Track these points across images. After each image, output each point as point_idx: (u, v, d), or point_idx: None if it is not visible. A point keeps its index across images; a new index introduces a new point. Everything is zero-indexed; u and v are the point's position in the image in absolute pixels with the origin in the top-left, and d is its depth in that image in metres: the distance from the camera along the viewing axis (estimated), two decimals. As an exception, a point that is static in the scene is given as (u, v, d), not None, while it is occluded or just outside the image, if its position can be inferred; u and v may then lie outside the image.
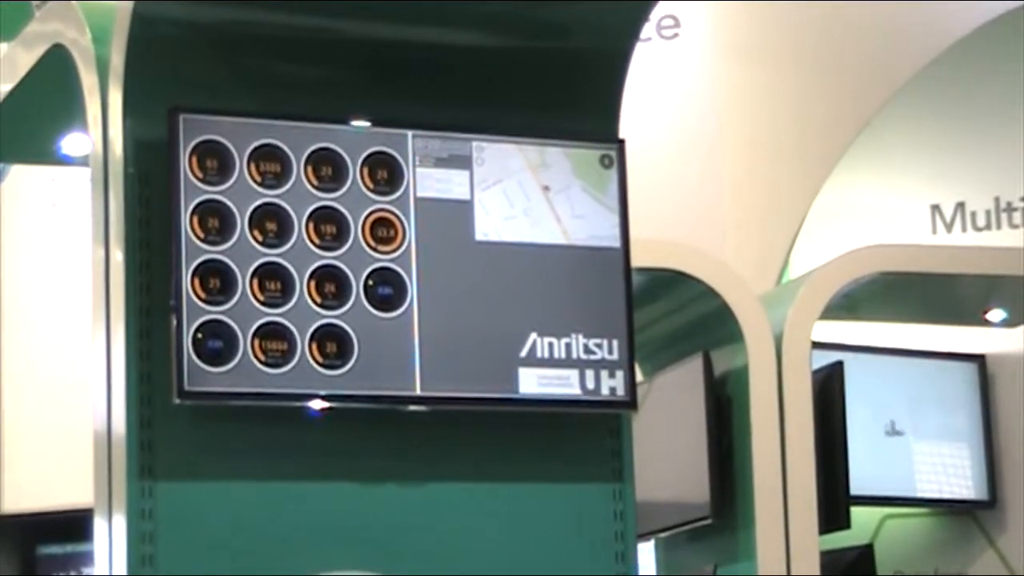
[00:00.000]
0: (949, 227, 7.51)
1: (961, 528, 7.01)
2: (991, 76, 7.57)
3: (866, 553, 6.35)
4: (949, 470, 6.98)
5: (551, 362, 3.49)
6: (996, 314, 6.49)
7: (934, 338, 6.80)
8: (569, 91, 3.51)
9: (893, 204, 7.49)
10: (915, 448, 6.96)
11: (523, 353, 3.47)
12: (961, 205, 7.53)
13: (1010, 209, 7.49)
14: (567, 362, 3.49)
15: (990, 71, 7.54)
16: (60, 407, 3.47)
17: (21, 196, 8.68)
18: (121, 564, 3.24)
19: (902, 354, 6.79)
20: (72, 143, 3.79)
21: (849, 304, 5.76)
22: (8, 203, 8.80)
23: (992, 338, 6.74)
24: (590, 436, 3.62)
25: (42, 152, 3.92)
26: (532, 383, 3.43)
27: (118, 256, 3.30)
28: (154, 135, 3.28)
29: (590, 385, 3.44)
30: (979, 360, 6.96)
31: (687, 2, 7.10)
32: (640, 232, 3.54)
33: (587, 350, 3.47)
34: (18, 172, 8.27)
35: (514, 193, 3.49)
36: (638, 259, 3.64)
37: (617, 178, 3.42)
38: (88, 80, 3.36)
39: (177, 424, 3.30)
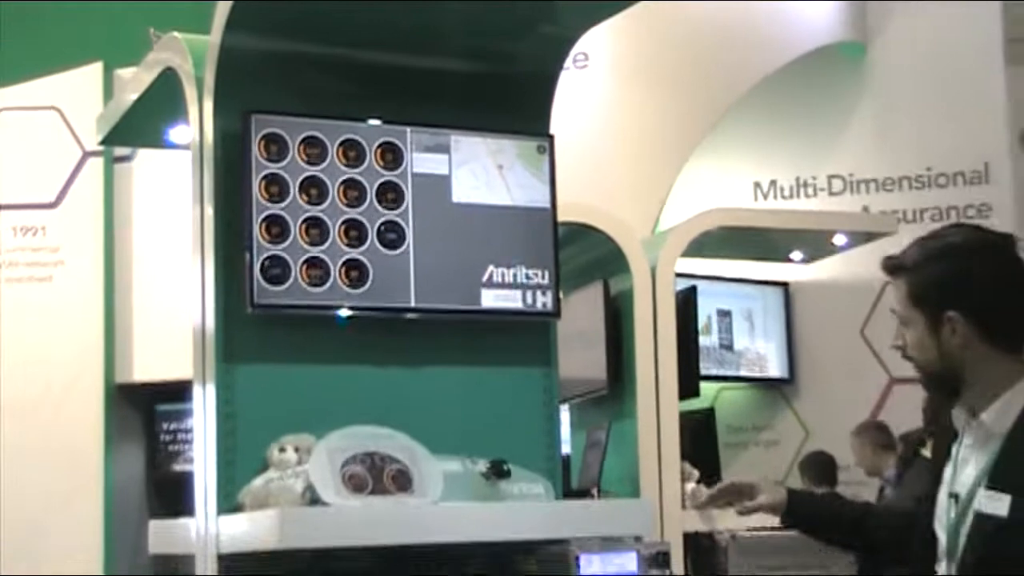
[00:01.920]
0: (765, 196, 7.50)
1: (770, 396, 7.17)
2: (801, 93, 7.54)
3: (709, 413, 6.42)
4: (763, 358, 6.93)
5: (503, 285, 3.69)
6: (796, 255, 6.59)
7: (756, 270, 6.76)
8: (516, 102, 3.81)
9: (729, 181, 7.53)
10: (740, 343, 6.90)
11: (484, 279, 3.67)
12: (774, 182, 7.66)
13: (806, 185, 7.52)
14: (514, 285, 3.70)
15: (801, 89, 7.52)
16: (174, 310, 3.43)
17: (146, 169, 8.32)
18: (212, 418, 3.37)
19: (735, 281, 6.79)
20: (177, 134, 3.77)
21: (700, 247, 5.84)
22: (138, 174, 8.68)
23: (794, 271, 6.74)
24: (528, 336, 3.83)
25: (157, 140, 3.95)
26: (491, 299, 3.66)
27: (209, 211, 3.52)
28: (233, 129, 3.48)
29: (529, 301, 3.69)
30: (785, 286, 6.99)
31: (593, 41, 7.00)
32: (563, 197, 3.48)
33: (527, 277, 3.69)
34: (144, 154, 8.22)
35: (478, 170, 3.71)
36: (561, 216, 3.86)
37: (548, 160, 3.74)
38: (189, 92, 3.62)
39: (249, 326, 3.46)
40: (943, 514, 2.81)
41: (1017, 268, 2.79)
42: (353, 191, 3.50)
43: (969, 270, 2.78)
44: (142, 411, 9.13)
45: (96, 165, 9.01)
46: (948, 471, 2.84)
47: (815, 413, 7.36)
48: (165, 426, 9.03)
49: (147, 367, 8.83)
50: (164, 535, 3.84)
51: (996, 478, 2.66)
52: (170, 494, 8.49)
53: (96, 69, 8.99)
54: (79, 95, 8.95)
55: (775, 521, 3.60)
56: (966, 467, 2.78)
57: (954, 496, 2.76)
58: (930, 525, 2.94)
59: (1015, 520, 2.58)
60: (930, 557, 2.93)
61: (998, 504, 2.62)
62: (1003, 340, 2.78)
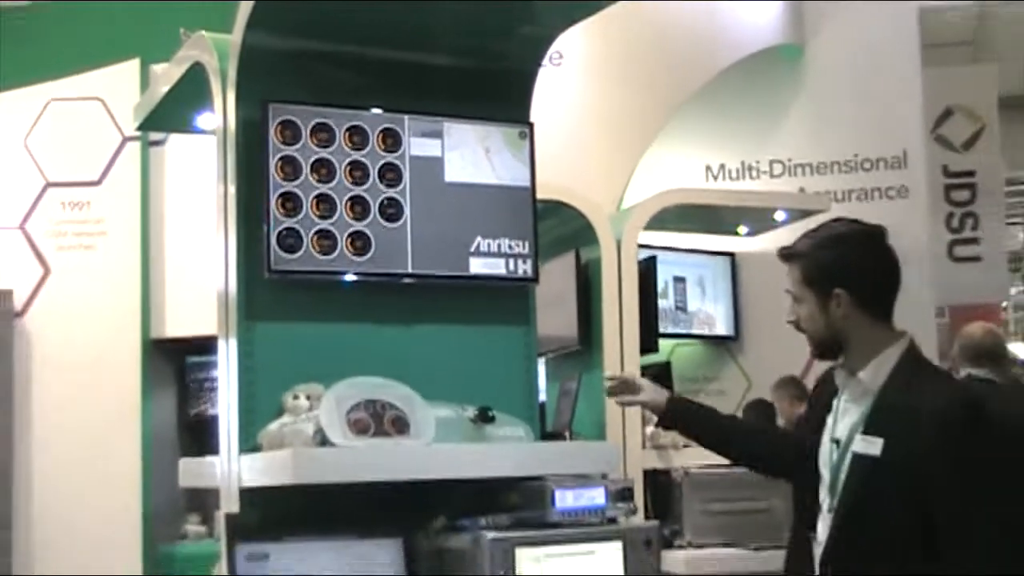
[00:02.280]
0: (716, 178, 7.44)
1: (718, 351, 7.15)
2: (747, 89, 7.50)
3: (666, 366, 6.38)
4: (712, 318, 6.89)
5: (488, 254, 3.66)
6: (742, 229, 6.57)
7: (707, 242, 6.72)
8: (501, 93, 3.81)
9: (684, 165, 7.44)
10: (693, 305, 6.85)
11: (472, 248, 3.64)
12: (723, 166, 7.61)
13: (751, 168, 7.47)
14: (498, 254, 3.67)
15: (747, 85, 7.48)
16: (202, 275, 3.39)
17: (177, 153, 8.42)
18: (234, 369, 3.34)
19: (689, 252, 6.75)
20: (204, 121, 3.71)
21: (659, 222, 5.79)
22: (170, 157, 8.78)
23: (739, 243, 6.69)
24: (510, 299, 3.80)
25: (186, 126, 3.89)
26: (478, 266, 3.63)
27: (232, 189, 3.47)
28: (253, 116, 3.43)
29: (511, 268, 3.65)
30: (731, 256, 6.95)
31: (568, 42, 6.92)
32: (541, 177, 3.45)
33: (510, 247, 3.67)
34: (175, 139, 8.32)
35: (467, 154, 3.67)
36: (539, 194, 3.80)
37: (528, 145, 3.65)
38: (214, 84, 3.56)
39: (266, 289, 3.43)
40: (827, 456, 2.93)
41: (887, 252, 2.99)
42: (358, 171, 3.47)
43: (851, 255, 2.97)
44: (174, 363, 9.10)
45: (134, 149, 9.01)
46: (830, 420, 2.98)
47: (756, 366, 7.32)
48: (194, 376, 9.01)
49: (178, 324, 8.81)
50: (193, 471, 3.79)
51: (870, 426, 2.81)
52: (199, 435, 8.53)
53: (134, 64, 8.95)
54: (119, 87, 8.92)
55: (724, 460, 3.63)
56: (845, 417, 2.92)
57: (836, 441, 2.90)
58: (814, 460, 3.08)
59: (886, 459, 2.73)
60: (815, 488, 3.08)
61: (872, 447, 2.77)
62: (877, 311, 2.97)
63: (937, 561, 2.65)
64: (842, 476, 2.82)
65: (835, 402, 2.99)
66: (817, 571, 2.91)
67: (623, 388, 3.49)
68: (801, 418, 7.60)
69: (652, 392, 3.43)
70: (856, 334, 2.94)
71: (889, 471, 2.73)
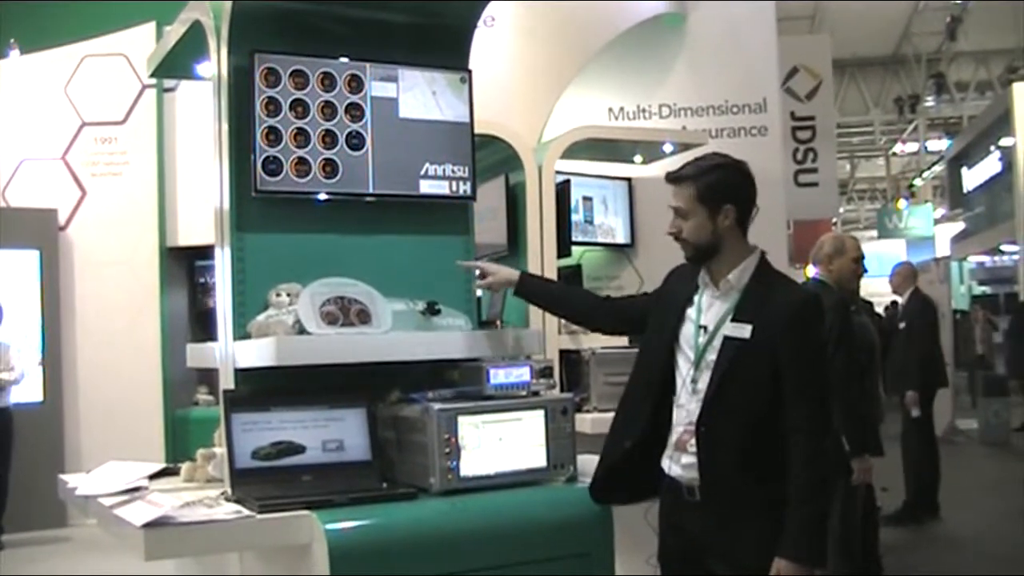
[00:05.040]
0: (617, 118, 7.30)
1: (618, 256, 7.01)
2: (641, 46, 7.34)
3: (577, 268, 6.22)
4: (614, 230, 6.77)
5: (435, 177, 3.55)
6: (637, 159, 6.45)
7: (609, 169, 6.58)
8: (446, 45, 3.59)
9: (591, 107, 7.26)
10: (598, 219, 6.71)
11: (422, 172, 3.51)
12: (622, 108, 7.42)
13: (644, 111, 7.35)
14: (443, 177, 3.54)
15: (641, 44, 7.30)
16: (205, 195, 3.24)
17: (185, 98, 8.06)
18: (228, 271, 3.23)
19: (595, 177, 6.62)
20: (203, 69, 3.50)
21: (572, 153, 5.59)
22: (180, 101, 8.76)
23: (635, 170, 6.58)
24: (453, 213, 3.70)
25: (188, 74, 3.64)
26: (426, 187, 3.52)
27: (225, 126, 3.33)
28: (242, 64, 3.28)
29: (454, 188, 3.52)
30: (628, 180, 6.77)
31: (499, 8, 6.73)
32: (478, 115, 3.35)
33: (453, 172, 3.53)
34: (184, 87, 7.94)
35: (418, 95, 3.55)
36: (476, 129, 3.67)
37: (468, 89, 3.52)
38: (211, 39, 3.43)
39: (254, 206, 3.30)
40: (691, 339, 2.86)
41: (753, 180, 2.91)
42: (328, 109, 3.31)
43: (734, 179, 2.89)
44: (185, 266, 9.16)
45: (151, 94, 9.06)
46: (691, 311, 2.90)
47: (647, 267, 7.20)
48: (201, 276, 9.05)
49: (188, 234, 8.90)
50: (197, 354, 3.66)
51: (739, 314, 2.78)
52: (205, 324, 8.52)
53: (151, 27, 8.98)
54: (139, 45, 8.92)
55: (625, 341, 3.57)
56: (711, 310, 2.86)
57: (702, 327, 2.85)
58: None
59: (753, 340, 2.73)
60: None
61: (743, 331, 2.75)
62: (745, 226, 2.90)
63: (781, 409, 2.70)
64: (709, 355, 2.79)
65: (696, 297, 2.92)
66: (680, 430, 2.86)
67: (483, 276, 3.42)
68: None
69: (506, 272, 3.37)
70: (729, 244, 2.87)
71: (755, 348, 2.73)
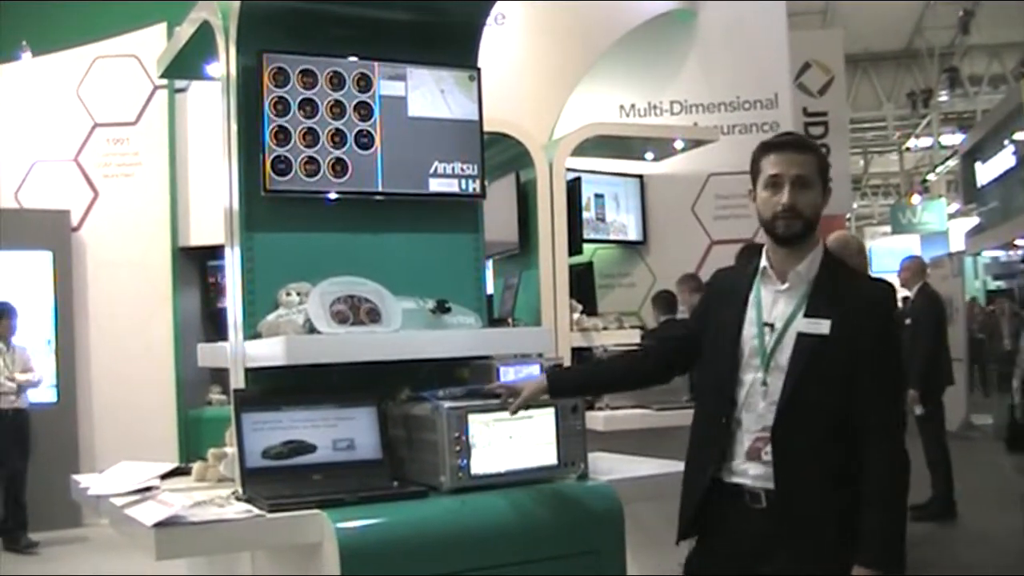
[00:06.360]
0: (628, 115, 7.26)
1: (629, 253, 7.01)
2: (653, 43, 7.30)
3: (589, 265, 6.25)
4: (625, 227, 6.76)
5: (445, 175, 3.52)
6: (648, 155, 6.39)
7: (621, 166, 6.55)
8: (455, 44, 3.65)
9: (602, 104, 7.24)
10: (610, 216, 6.71)
11: (431, 171, 3.50)
12: (633, 105, 7.40)
13: (656, 107, 7.30)
14: (452, 175, 3.54)
15: (652, 40, 7.26)
16: (216, 195, 3.25)
17: (196, 98, 8.27)
18: (238, 271, 3.24)
19: (607, 174, 6.61)
20: (212, 69, 3.56)
21: (583, 150, 5.59)
22: (191, 101, 8.86)
23: (647, 167, 6.53)
24: (463, 211, 3.67)
25: (198, 74, 3.67)
26: (436, 185, 3.50)
27: (234, 126, 3.32)
28: (251, 64, 3.29)
29: (463, 187, 3.57)
30: (640, 177, 6.75)
31: (510, 6, 6.73)
32: (487, 113, 3.49)
33: (462, 170, 3.56)
34: (194, 88, 8.35)
35: (426, 93, 3.53)
36: (486, 127, 3.65)
37: (477, 87, 3.56)
38: (220, 39, 3.41)
39: (263, 205, 3.30)
40: (755, 339, 2.65)
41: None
42: (337, 108, 3.31)
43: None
44: (197, 266, 9.21)
45: (162, 95, 9.11)
46: (751, 311, 2.69)
47: (659, 264, 7.23)
48: (212, 277, 9.09)
49: (200, 235, 8.96)
50: (209, 353, 3.67)
51: (812, 310, 2.59)
52: (217, 323, 8.52)
53: (162, 28, 9.01)
54: (150, 46, 8.93)
55: (636, 339, 3.51)
56: (776, 305, 2.65)
57: (768, 325, 2.63)
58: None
59: (834, 336, 2.53)
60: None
61: (820, 326, 2.55)
62: None
63: (854, 408, 2.53)
64: (779, 355, 2.59)
65: (751, 296, 2.68)
66: (752, 438, 2.64)
67: (510, 396, 2.94)
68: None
69: (532, 384, 2.96)
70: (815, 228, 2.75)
71: (834, 345, 2.54)
